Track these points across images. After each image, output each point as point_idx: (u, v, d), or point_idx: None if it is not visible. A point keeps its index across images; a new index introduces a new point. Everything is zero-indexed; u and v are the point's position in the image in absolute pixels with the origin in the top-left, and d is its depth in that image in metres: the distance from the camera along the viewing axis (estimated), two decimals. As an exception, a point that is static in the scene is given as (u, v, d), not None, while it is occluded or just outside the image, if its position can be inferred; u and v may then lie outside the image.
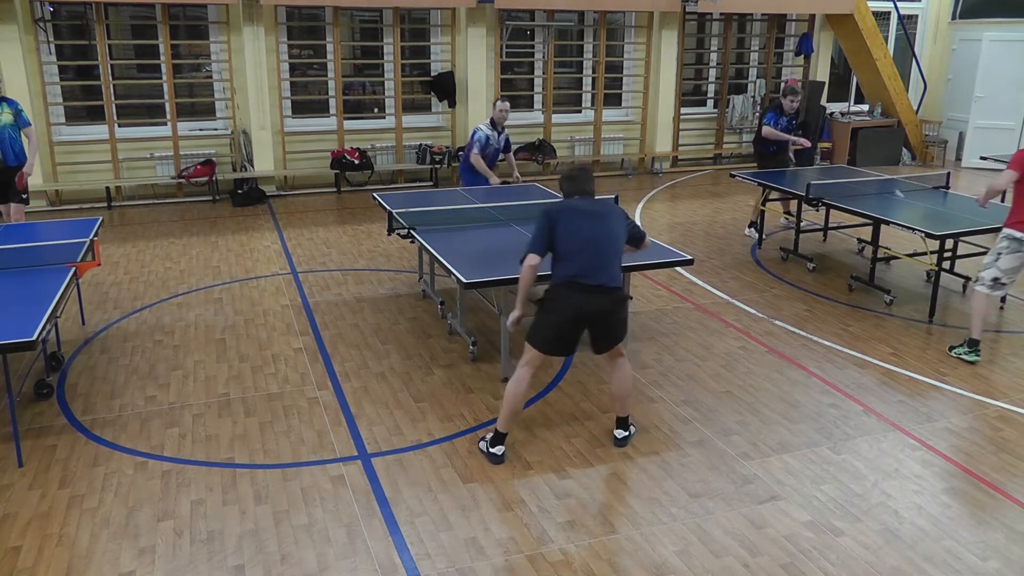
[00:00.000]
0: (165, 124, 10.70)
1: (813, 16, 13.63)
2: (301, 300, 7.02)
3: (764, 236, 8.90)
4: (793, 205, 9.08)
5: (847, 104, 14.55)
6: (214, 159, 10.78)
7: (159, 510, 4.01)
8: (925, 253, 6.86)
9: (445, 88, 11.63)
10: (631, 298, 4.56)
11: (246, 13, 10.43)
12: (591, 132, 12.79)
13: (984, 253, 6.26)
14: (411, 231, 6.09)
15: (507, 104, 8.08)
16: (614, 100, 13.12)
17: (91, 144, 10.41)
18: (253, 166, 10.89)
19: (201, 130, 10.95)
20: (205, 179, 10.66)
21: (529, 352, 4.39)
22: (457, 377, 5.53)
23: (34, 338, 4.07)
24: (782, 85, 13.19)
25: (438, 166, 11.55)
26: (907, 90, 14.12)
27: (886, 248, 7.78)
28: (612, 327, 4.39)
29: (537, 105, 12.58)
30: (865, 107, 14.21)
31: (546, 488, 4.23)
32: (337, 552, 3.72)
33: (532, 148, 12.08)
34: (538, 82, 12.52)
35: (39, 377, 5.30)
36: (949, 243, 6.97)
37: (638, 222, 9.63)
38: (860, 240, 8.62)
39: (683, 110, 13.34)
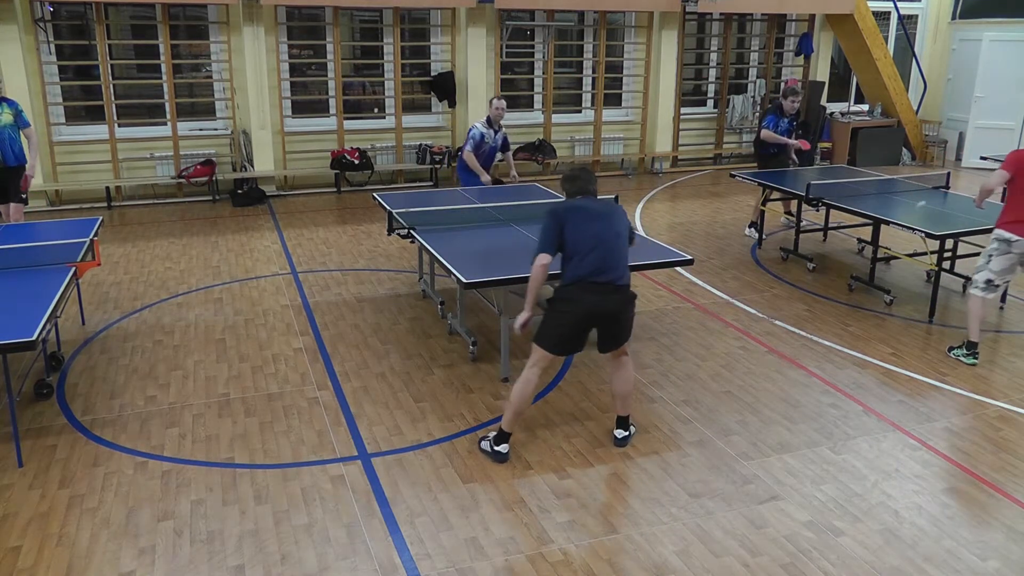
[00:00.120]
0: (165, 124, 10.71)
1: (813, 16, 13.63)
2: (301, 300, 7.02)
3: (764, 236, 8.90)
4: (793, 205, 9.08)
5: (847, 104, 14.55)
6: (214, 159, 10.78)
7: (159, 510, 4.01)
8: (925, 253, 6.86)
9: (445, 88, 11.63)
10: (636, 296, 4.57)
11: (246, 13, 10.43)
12: (591, 132, 12.79)
13: (984, 253, 6.27)
14: (411, 231, 6.09)
15: (503, 102, 8.07)
16: (614, 100, 13.12)
17: (91, 144, 10.41)
18: (253, 166, 10.89)
19: (201, 130, 10.95)
20: (205, 179, 10.66)
21: (537, 353, 4.38)
22: (457, 377, 5.53)
23: (34, 338, 4.07)
24: (782, 85, 13.22)
25: (438, 166, 11.55)
26: (907, 90, 14.12)
27: (886, 248, 7.78)
28: (621, 326, 4.42)
29: (537, 105, 12.58)
30: (865, 107, 14.21)
31: (546, 488, 4.23)
32: (337, 552, 3.72)
33: (532, 148, 12.08)
34: (538, 82, 12.52)
35: (39, 377, 5.30)
36: (949, 243, 6.97)
37: (638, 222, 9.62)
38: (860, 240, 8.62)
39: (683, 110, 13.34)
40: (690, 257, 5.69)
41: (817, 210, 7.95)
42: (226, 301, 6.99)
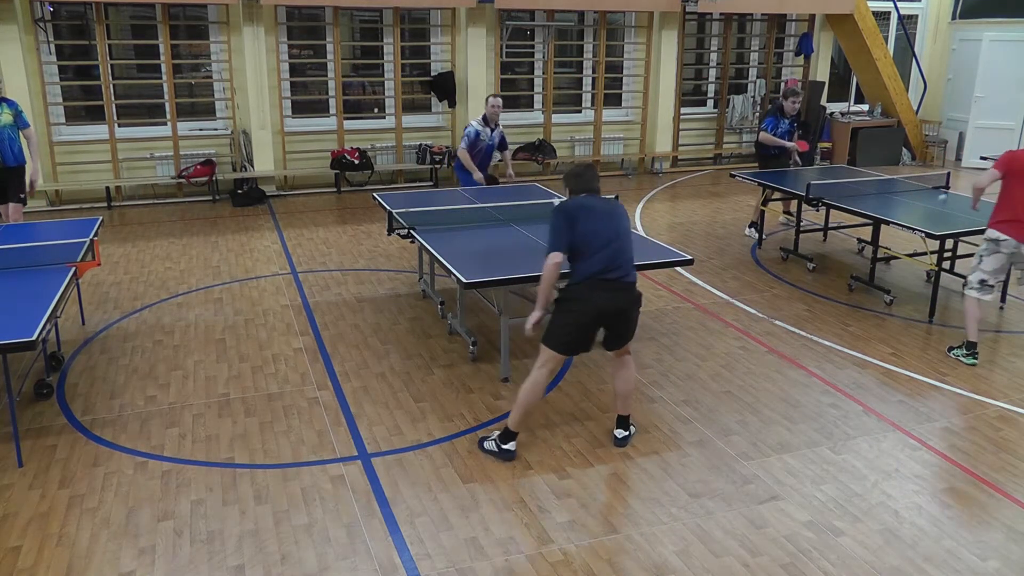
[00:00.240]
0: (165, 124, 10.70)
1: (813, 16, 13.63)
2: (301, 300, 7.02)
3: (764, 236, 8.90)
4: (793, 205, 9.08)
5: (847, 104, 14.54)
6: (214, 159, 10.78)
7: (159, 510, 4.01)
8: (925, 253, 6.86)
9: (445, 88, 11.63)
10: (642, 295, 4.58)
11: (246, 13, 10.43)
12: (591, 132, 12.79)
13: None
14: (411, 231, 6.09)
15: (499, 100, 8.04)
16: (614, 100, 13.12)
17: (91, 144, 10.41)
18: (253, 166, 10.89)
19: (201, 130, 10.95)
20: (205, 179, 10.66)
21: (546, 354, 4.36)
22: (457, 377, 5.53)
23: (34, 338, 4.07)
24: (782, 85, 13.24)
25: (438, 166, 11.54)
26: (907, 90, 14.12)
27: (886, 248, 7.78)
28: (629, 324, 4.44)
29: (537, 105, 12.58)
30: (865, 107, 14.21)
31: (546, 488, 4.23)
32: (337, 552, 3.72)
33: (532, 148, 12.08)
34: (538, 82, 12.52)
35: (39, 377, 5.30)
36: (949, 243, 6.97)
37: (638, 222, 9.62)
38: (860, 240, 8.62)
39: (683, 110, 13.33)
40: (690, 257, 5.69)
41: (817, 210, 7.95)
42: (226, 301, 6.99)
